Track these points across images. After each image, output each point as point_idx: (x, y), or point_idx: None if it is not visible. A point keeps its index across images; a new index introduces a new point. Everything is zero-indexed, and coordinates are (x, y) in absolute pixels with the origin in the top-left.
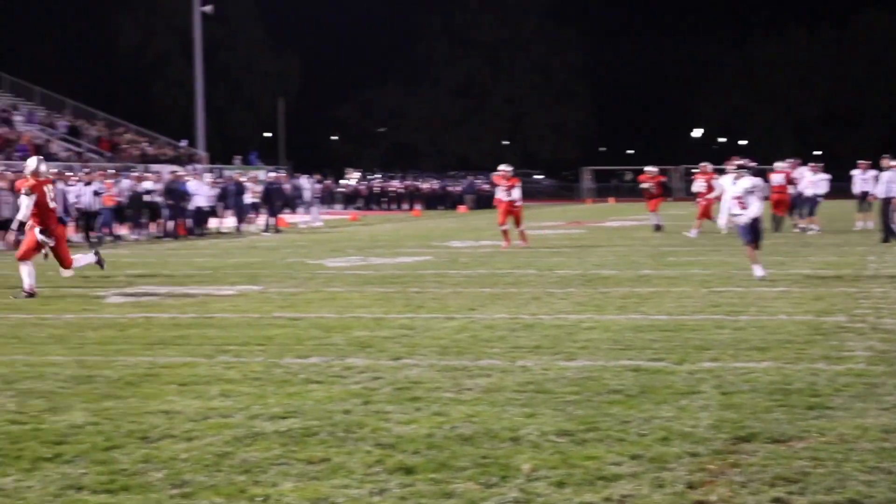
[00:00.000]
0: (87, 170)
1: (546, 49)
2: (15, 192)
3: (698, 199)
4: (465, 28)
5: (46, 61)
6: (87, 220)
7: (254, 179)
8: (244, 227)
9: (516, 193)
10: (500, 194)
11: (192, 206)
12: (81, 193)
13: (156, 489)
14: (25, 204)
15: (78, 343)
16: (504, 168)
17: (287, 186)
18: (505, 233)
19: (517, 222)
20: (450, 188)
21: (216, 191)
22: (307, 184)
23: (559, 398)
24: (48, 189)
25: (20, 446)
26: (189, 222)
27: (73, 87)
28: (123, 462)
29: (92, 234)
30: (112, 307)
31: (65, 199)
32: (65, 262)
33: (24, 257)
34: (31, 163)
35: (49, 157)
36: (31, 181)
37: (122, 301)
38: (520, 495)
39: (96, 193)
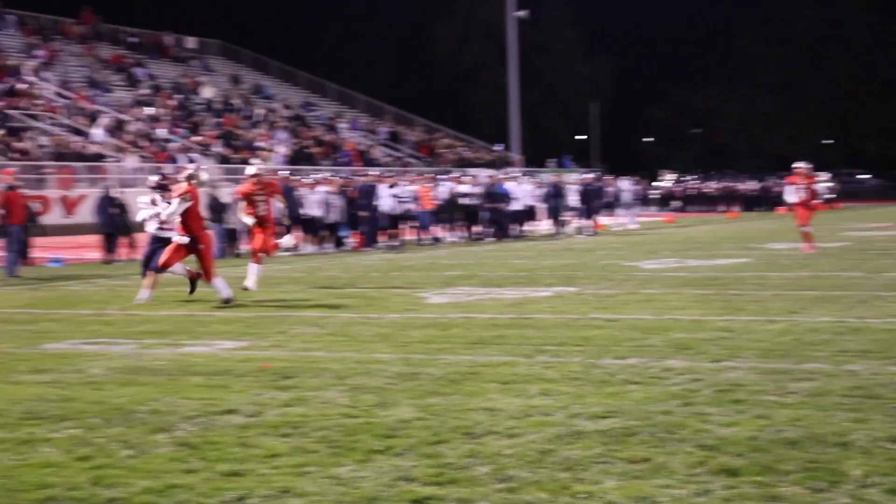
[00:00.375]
0: (392, 174)
1: (871, 43)
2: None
3: None
4: (783, 25)
5: (368, 70)
6: (392, 223)
7: (580, 182)
8: (561, 229)
9: (822, 191)
10: (801, 194)
11: (510, 208)
12: (382, 196)
13: (482, 483)
14: (175, 207)
15: (402, 342)
16: (801, 165)
17: (610, 189)
18: (806, 234)
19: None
20: (770, 189)
21: (541, 192)
22: (628, 186)
23: (891, 404)
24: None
25: (354, 438)
26: (506, 225)
27: (394, 93)
28: (450, 456)
29: (389, 237)
30: (433, 307)
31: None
32: (207, 275)
33: (167, 265)
34: (193, 169)
35: (371, 162)
36: (188, 187)
37: (442, 301)
38: (851, 501)
39: (401, 201)
